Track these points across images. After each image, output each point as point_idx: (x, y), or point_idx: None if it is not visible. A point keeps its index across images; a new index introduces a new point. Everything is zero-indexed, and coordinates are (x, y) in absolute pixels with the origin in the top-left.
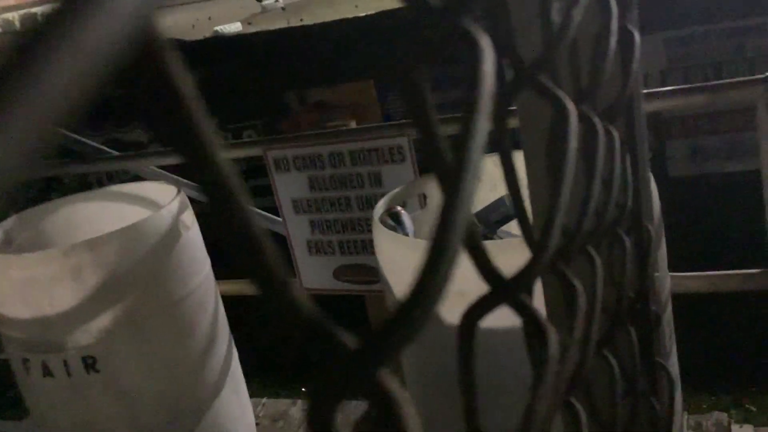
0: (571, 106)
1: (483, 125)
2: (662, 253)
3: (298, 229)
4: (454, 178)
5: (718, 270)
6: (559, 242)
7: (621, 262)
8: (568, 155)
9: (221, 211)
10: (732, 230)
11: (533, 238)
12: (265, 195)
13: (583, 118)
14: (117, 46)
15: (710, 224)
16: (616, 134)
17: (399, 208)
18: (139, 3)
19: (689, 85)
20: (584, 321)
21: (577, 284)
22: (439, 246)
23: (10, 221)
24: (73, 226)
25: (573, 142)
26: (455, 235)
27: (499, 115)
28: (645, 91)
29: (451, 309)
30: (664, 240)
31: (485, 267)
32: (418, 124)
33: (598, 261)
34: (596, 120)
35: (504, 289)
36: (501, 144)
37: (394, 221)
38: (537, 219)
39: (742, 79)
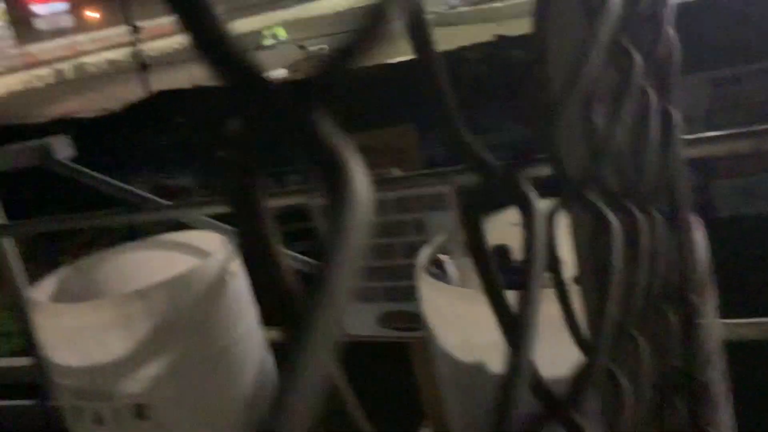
0: (615, 222)
1: (537, 293)
2: (711, 300)
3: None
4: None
5: None
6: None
7: (666, 337)
8: (614, 269)
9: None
10: None
11: (583, 338)
12: (308, 238)
13: (626, 212)
14: None
15: (761, 266)
16: (658, 218)
17: (443, 256)
18: None
19: (734, 131)
20: (629, 410)
21: (623, 382)
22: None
23: (63, 271)
24: (124, 276)
25: (617, 254)
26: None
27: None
28: (690, 136)
29: (463, 349)
30: (713, 286)
31: (538, 384)
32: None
33: (643, 345)
34: (638, 215)
35: (556, 408)
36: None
37: (437, 269)
38: (588, 314)
39: None
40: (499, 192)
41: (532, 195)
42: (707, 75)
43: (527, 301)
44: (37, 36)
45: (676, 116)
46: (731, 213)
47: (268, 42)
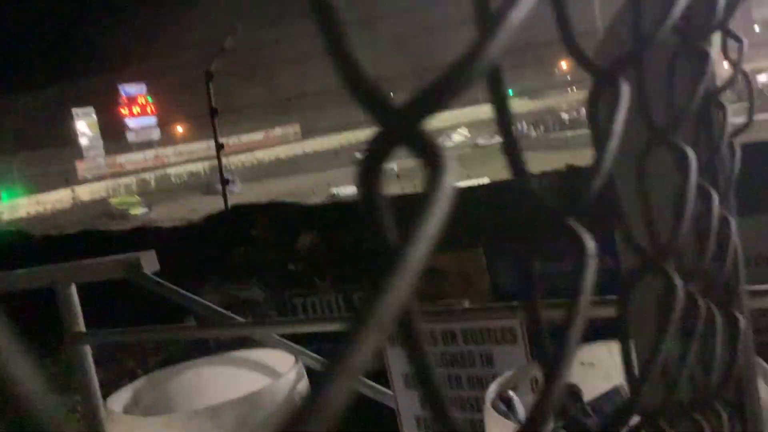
0: (681, 289)
1: (580, 322)
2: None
3: (408, 404)
4: (553, 361)
5: None
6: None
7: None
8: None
9: None
10: None
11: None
12: None
13: (688, 297)
14: None
15: None
16: (718, 315)
17: (511, 393)
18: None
19: None
20: None
21: None
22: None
23: (139, 382)
24: (195, 390)
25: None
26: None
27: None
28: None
29: None
30: None
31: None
32: (524, 306)
33: (707, 429)
34: (700, 300)
35: None
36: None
37: (505, 406)
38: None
39: None
40: (550, 229)
41: (584, 234)
42: None
43: (568, 330)
44: (126, 147)
45: (733, 221)
46: None
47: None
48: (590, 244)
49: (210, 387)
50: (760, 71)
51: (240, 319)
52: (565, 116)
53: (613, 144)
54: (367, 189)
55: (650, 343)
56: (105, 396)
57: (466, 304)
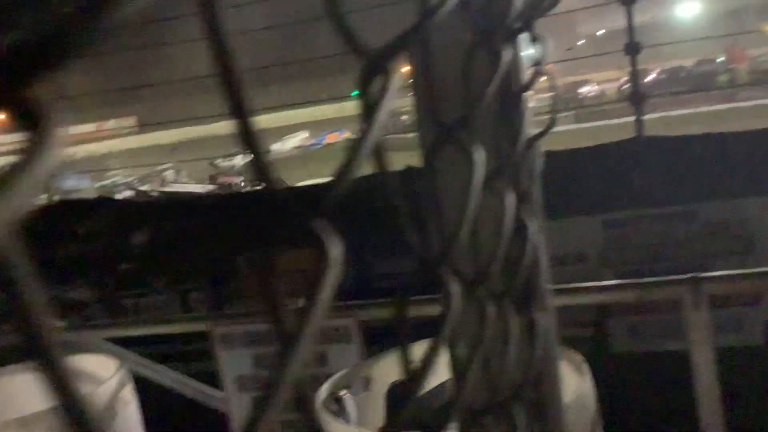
0: (456, 294)
1: (313, 328)
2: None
3: (242, 407)
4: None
5: None
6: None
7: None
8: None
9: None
10: (675, 408)
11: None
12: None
13: (474, 302)
14: None
15: (652, 401)
16: (513, 319)
17: (343, 392)
18: None
19: (620, 282)
20: None
21: None
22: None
23: None
24: (6, 400)
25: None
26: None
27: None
28: (579, 285)
29: None
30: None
31: None
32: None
33: None
34: (488, 303)
35: None
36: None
37: (337, 406)
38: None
39: (669, 278)
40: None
41: (328, 233)
42: (600, 218)
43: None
44: None
45: (531, 225)
46: (623, 350)
47: None
48: (334, 248)
49: (22, 397)
50: (583, 84)
51: (60, 322)
52: (406, 119)
53: (373, 134)
54: None
55: (426, 350)
56: None
57: (301, 303)
